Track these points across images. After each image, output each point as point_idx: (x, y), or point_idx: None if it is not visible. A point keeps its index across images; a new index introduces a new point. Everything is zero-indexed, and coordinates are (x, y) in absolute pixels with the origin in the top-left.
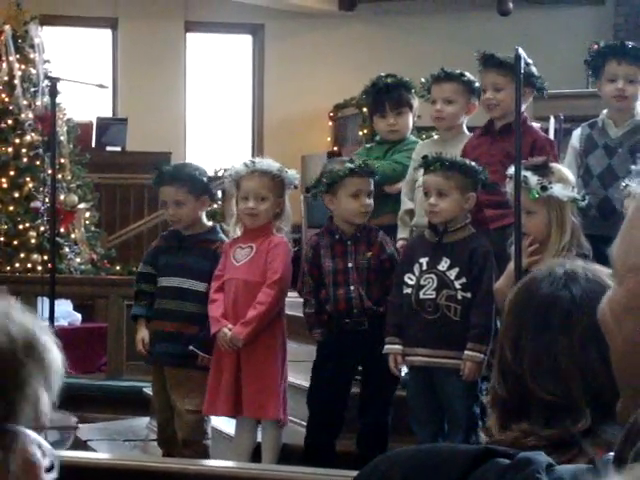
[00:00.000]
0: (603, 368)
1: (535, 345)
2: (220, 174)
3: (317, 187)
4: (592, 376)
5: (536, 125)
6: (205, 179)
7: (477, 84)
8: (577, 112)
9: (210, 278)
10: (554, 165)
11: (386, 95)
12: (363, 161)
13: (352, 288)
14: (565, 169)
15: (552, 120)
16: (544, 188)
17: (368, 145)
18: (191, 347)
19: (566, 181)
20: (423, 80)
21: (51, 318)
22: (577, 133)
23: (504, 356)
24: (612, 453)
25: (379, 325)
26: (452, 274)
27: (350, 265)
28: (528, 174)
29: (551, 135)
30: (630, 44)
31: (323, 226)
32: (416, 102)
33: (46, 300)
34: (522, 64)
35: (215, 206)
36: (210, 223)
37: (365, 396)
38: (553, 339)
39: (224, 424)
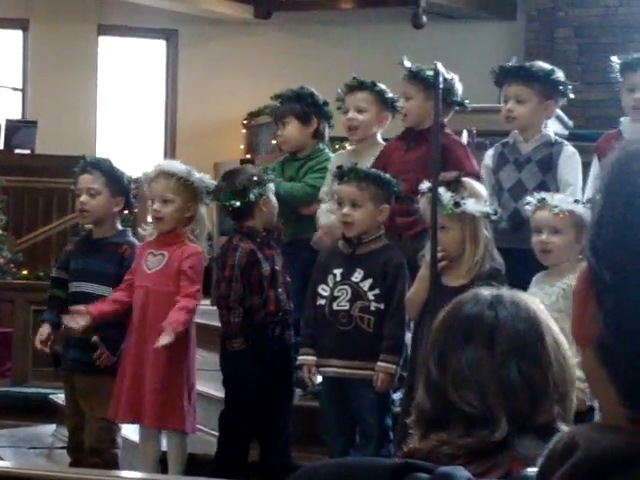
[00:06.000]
0: (522, 384)
1: (458, 359)
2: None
3: (258, 190)
4: (511, 390)
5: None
6: (126, 181)
7: (389, 94)
8: (489, 126)
9: (116, 283)
10: (466, 180)
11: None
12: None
13: (280, 290)
14: (477, 183)
15: (465, 134)
16: (457, 204)
17: (281, 159)
18: (94, 338)
19: (478, 196)
20: (339, 90)
21: None
22: (490, 152)
23: (429, 370)
24: (530, 469)
25: (283, 334)
26: (365, 285)
27: (277, 268)
28: (441, 190)
29: None
30: (518, 64)
31: (234, 233)
32: (309, 108)
33: None
34: (440, 78)
35: (131, 213)
36: (120, 227)
37: (269, 406)
38: (475, 354)
39: (131, 432)
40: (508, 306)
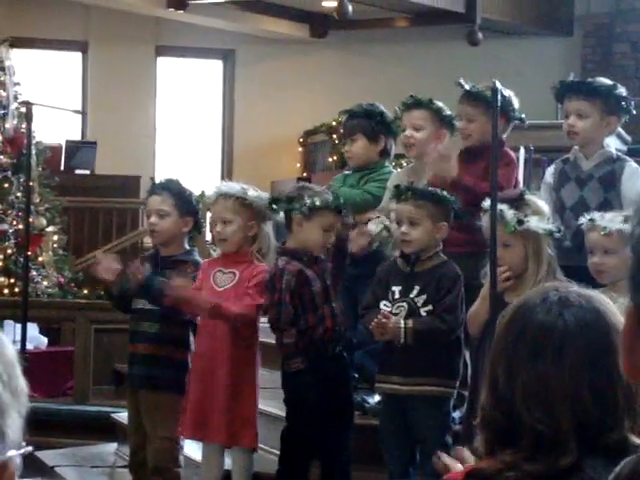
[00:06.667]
0: (593, 401)
1: (527, 373)
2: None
3: (298, 205)
4: (581, 408)
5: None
6: (194, 202)
7: (447, 112)
8: (547, 143)
9: None
10: (529, 197)
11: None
12: (336, 196)
13: (335, 305)
14: (540, 201)
15: (522, 151)
16: (520, 222)
17: (347, 172)
18: (147, 265)
19: (542, 213)
20: (396, 108)
21: (23, 342)
22: (550, 170)
23: (496, 378)
24: None
25: (342, 352)
26: (420, 301)
27: (329, 282)
28: (504, 207)
29: (521, 166)
30: (580, 79)
31: (282, 252)
32: (378, 127)
33: (10, 323)
34: (499, 96)
35: (200, 233)
36: (188, 246)
37: (329, 425)
38: (545, 369)
39: (193, 450)
40: (576, 311)
